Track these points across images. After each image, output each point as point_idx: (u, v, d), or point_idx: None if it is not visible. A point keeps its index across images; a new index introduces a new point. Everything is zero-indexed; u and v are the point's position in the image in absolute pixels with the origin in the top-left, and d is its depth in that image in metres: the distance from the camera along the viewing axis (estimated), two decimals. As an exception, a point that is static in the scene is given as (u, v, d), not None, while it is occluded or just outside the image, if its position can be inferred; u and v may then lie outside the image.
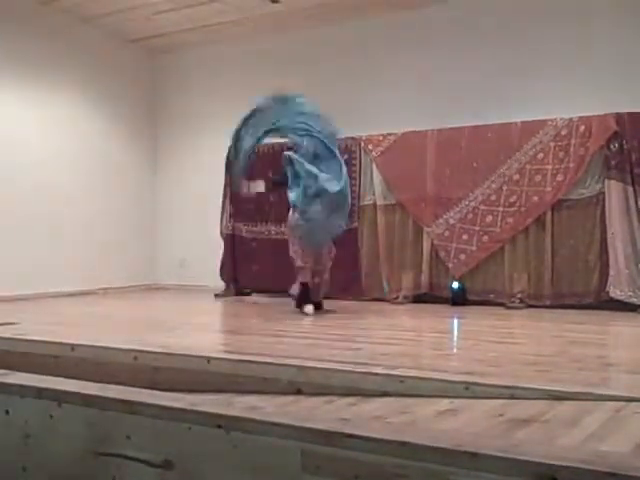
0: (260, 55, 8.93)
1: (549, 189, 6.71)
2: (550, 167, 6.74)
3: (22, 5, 7.88)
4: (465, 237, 7.07)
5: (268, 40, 8.84)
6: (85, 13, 8.34)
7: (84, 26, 8.61)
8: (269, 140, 6.74)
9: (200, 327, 5.67)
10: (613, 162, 6.44)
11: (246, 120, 6.09)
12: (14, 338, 4.52)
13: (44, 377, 3.14)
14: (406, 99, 7.85)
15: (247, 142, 6.02)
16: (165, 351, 3.91)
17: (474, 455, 1.89)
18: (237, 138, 6.08)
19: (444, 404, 2.84)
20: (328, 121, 6.13)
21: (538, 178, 6.78)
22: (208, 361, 3.68)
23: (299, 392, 3.30)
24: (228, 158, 6.96)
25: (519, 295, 6.77)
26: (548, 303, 6.65)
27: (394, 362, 3.60)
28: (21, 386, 2.94)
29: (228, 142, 8.43)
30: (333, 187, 5.88)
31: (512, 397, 2.85)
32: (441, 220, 7.20)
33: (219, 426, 2.34)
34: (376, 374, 3.23)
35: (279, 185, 6.44)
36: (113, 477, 2.59)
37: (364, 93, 8.13)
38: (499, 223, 6.92)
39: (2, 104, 7.76)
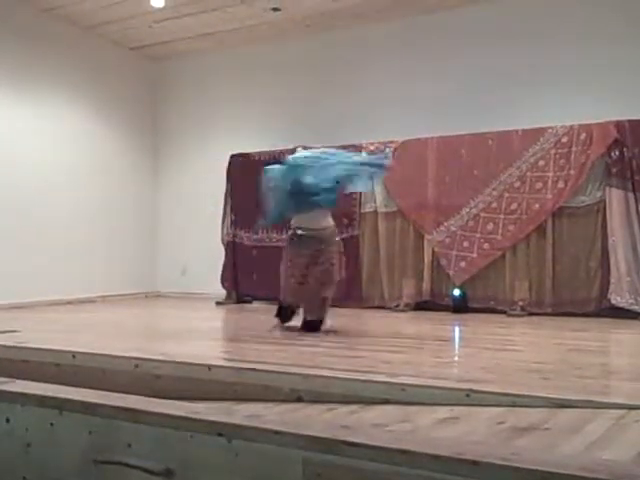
0: (261, 63, 8.95)
1: (550, 196, 6.72)
2: (551, 174, 6.75)
3: (23, 12, 7.89)
4: (466, 244, 7.07)
5: (269, 48, 8.86)
6: (86, 21, 8.37)
7: (85, 34, 8.64)
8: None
9: (201, 335, 5.66)
10: (614, 169, 6.44)
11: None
12: (15, 346, 4.52)
13: (45, 385, 3.14)
14: (406, 106, 7.85)
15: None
16: (166, 359, 3.91)
17: (475, 463, 1.88)
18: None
19: (445, 412, 2.83)
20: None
21: (539, 185, 6.79)
22: (209, 369, 3.68)
23: (300, 400, 3.30)
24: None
25: (520, 302, 6.76)
26: (549, 310, 6.65)
27: (395, 370, 3.59)
28: (22, 394, 2.94)
29: (232, 150, 8.51)
30: None
31: (513, 405, 2.85)
32: (442, 227, 7.20)
33: (220, 434, 2.34)
34: (377, 382, 3.23)
35: None
36: (114, 485, 2.59)
37: (365, 100, 8.14)
38: (500, 230, 6.92)
39: (1, 110, 7.77)
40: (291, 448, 2.19)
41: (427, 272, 7.25)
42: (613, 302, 6.32)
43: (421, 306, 7.23)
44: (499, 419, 2.66)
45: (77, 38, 8.58)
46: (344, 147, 7.59)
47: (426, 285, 7.24)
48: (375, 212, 7.61)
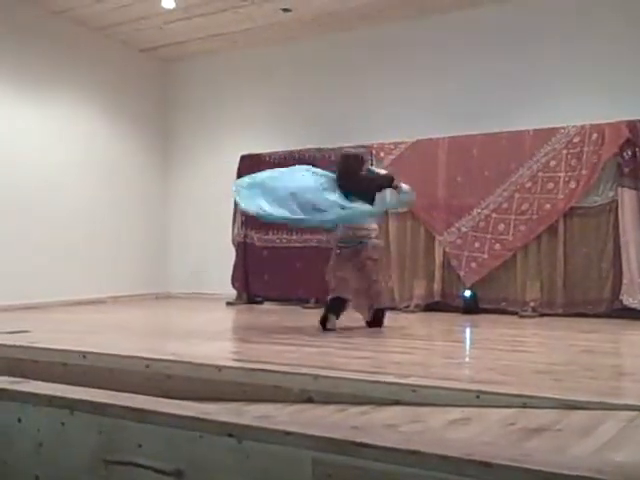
0: (272, 63, 8.96)
1: (561, 197, 6.69)
2: (562, 174, 6.72)
3: (35, 14, 7.93)
4: (477, 245, 7.04)
5: (280, 48, 8.87)
6: (97, 23, 8.40)
7: (96, 35, 8.67)
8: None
9: (211, 335, 5.66)
10: (626, 169, 6.41)
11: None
12: (26, 346, 4.54)
13: (56, 385, 3.15)
14: (418, 107, 7.84)
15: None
16: (176, 359, 3.91)
17: (486, 465, 1.87)
18: None
19: (456, 413, 2.82)
20: None
21: (550, 186, 6.76)
22: (219, 369, 3.68)
23: (310, 400, 3.30)
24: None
25: (531, 303, 6.74)
26: (561, 311, 6.62)
27: (406, 371, 3.59)
28: (33, 394, 2.95)
29: (243, 151, 8.51)
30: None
31: (524, 406, 2.83)
32: (453, 228, 7.18)
33: (230, 435, 2.34)
34: (388, 383, 3.22)
35: None
36: (124, 485, 2.60)
37: (376, 101, 8.13)
38: (511, 231, 6.90)
39: (12, 112, 7.81)
40: (301, 449, 2.18)
41: (438, 273, 7.23)
42: (625, 303, 6.29)
43: (431, 307, 7.21)
44: (510, 420, 2.65)
45: (88, 40, 8.61)
46: (355, 147, 7.66)
47: (437, 286, 7.22)
48: (386, 212, 7.59)
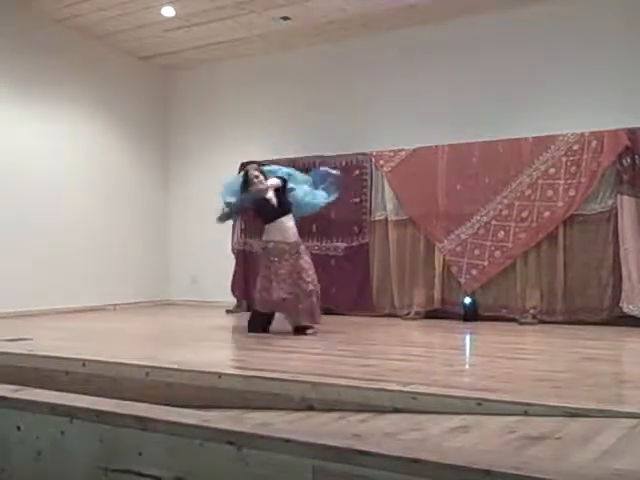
0: (271, 72, 8.97)
1: (561, 204, 6.70)
2: (562, 182, 6.73)
3: (38, 22, 7.95)
4: (477, 252, 7.05)
5: (279, 57, 8.89)
6: (98, 31, 8.42)
7: (97, 43, 8.69)
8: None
9: (212, 343, 5.66)
10: (625, 177, 6.42)
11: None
12: (26, 354, 4.54)
13: (56, 393, 3.14)
14: (417, 115, 7.85)
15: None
16: (177, 367, 3.91)
17: (486, 473, 1.87)
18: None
19: (456, 421, 2.82)
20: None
21: (550, 193, 6.77)
22: (219, 377, 3.67)
23: (311, 408, 3.29)
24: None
25: (531, 311, 6.73)
26: (561, 319, 6.62)
27: (406, 378, 3.58)
28: (33, 402, 2.94)
29: (243, 159, 8.54)
30: None
31: (525, 414, 2.83)
32: (453, 235, 7.18)
33: (230, 442, 2.33)
34: (388, 390, 3.21)
35: None
36: (124, 494, 2.59)
37: (376, 108, 8.14)
38: (511, 238, 6.90)
39: (16, 119, 7.83)
40: (301, 457, 2.18)
41: (438, 280, 7.23)
42: (625, 310, 6.29)
43: (432, 314, 7.21)
44: (510, 428, 2.65)
45: (89, 47, 8.63)
46: (356, 155, 7.70)
47: (437, 293, 7.22)
48: (385, 220, 7.61)
